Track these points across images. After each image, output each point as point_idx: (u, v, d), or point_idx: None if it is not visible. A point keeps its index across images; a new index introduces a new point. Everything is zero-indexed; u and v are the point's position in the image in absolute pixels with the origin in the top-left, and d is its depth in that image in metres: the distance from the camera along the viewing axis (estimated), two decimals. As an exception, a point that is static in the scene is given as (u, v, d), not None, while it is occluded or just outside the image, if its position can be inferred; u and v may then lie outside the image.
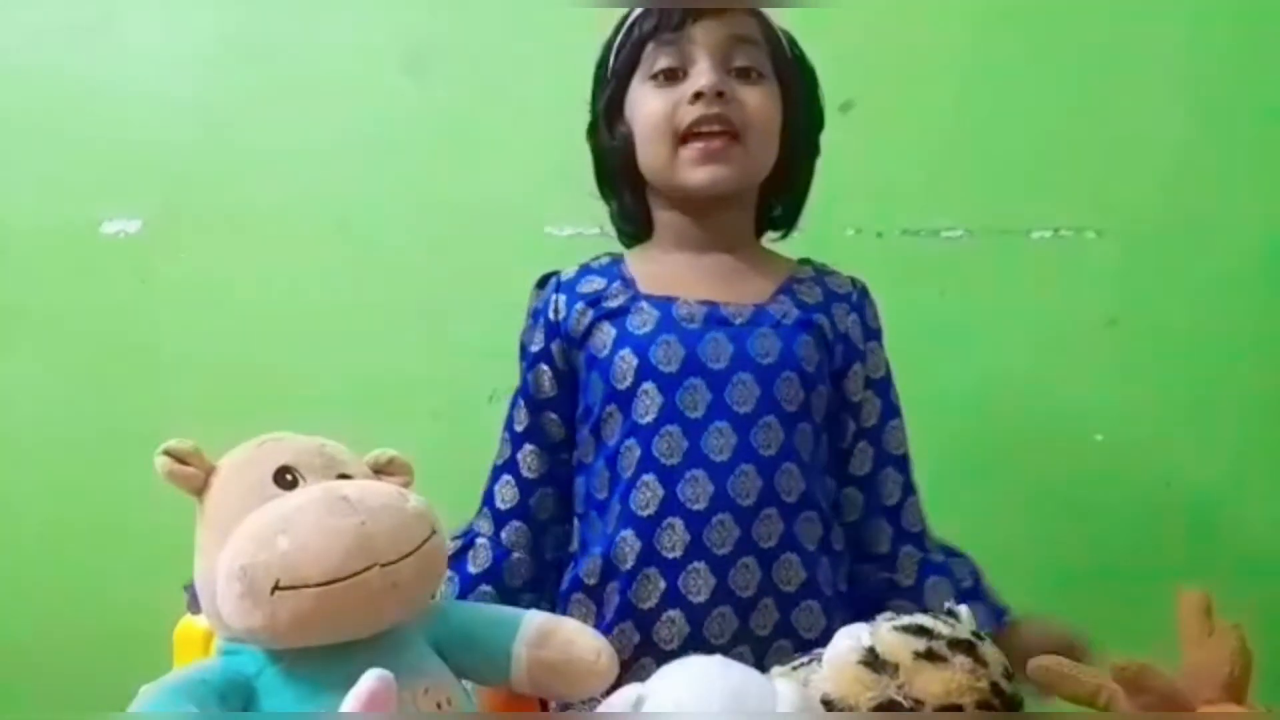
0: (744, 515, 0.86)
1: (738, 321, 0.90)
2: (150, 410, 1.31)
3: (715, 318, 0.89)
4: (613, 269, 0.95)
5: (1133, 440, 1.33)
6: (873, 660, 0.62)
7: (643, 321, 0.89)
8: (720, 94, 0.88)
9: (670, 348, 0.88)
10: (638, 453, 0.87)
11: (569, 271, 0.97)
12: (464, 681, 0.74)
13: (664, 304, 0.90)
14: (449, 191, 1.36)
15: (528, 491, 0.94)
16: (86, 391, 1.38)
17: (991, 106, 1.37)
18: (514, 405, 0.96)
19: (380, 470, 0.76)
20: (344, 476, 0.71)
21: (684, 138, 0.89)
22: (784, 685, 0.62)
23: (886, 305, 0.98)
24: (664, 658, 0.76)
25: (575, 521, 0.95)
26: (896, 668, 0.62)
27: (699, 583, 0.85)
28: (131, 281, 1.39)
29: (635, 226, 0.99)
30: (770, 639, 0.86)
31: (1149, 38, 1.35)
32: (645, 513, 0.86)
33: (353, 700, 0.53)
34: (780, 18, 0.97)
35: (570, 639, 0.75)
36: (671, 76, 0.90)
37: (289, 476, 0.69)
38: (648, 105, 0.91)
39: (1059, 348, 1.34)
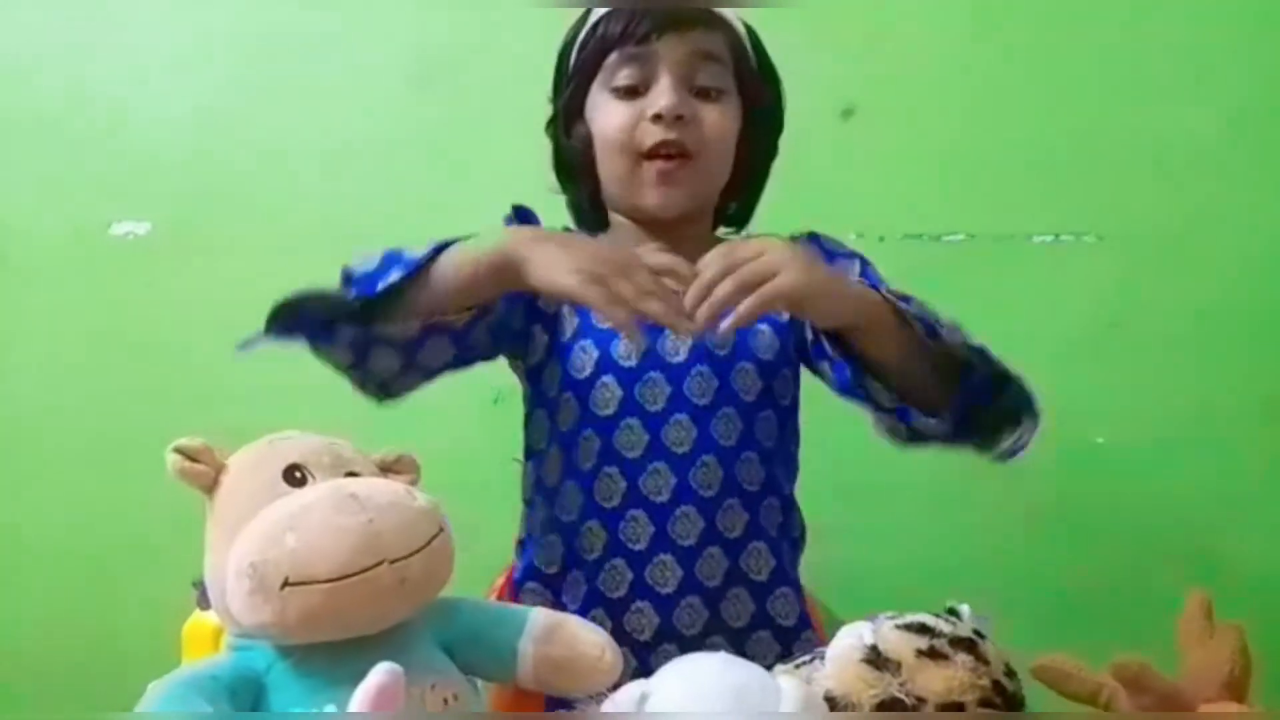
0: (707, 505, 0.88)
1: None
2: (158, 409, 1.32)
3: None
4: None
5: (1134, 444, 1.34)
6: (875, 658, 0.63)
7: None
8: (679, 117, 0.88)
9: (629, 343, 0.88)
10: (597, 444, 0.89)
11: None
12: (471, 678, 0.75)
13: None
14: (452, 199, 1.37)
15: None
16: (94, 390, 1.40)
17: (992, 112, 1.38)
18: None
19: (388, 468, 0.77)
20: (352, 474, 0.71)
21: (644, 156, 0.90)
22: (787, 682, 0.63)
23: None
24: (637, 648, 0.83)
25: (524, 508, 0.96)
26: (899, 665, 0.62)
27: (666, 574, 0.87)
28: (140, 283, 1.41)
29: (592, 219, 0.99)
30: (748, 630, 0.89)
31: (1150, 42, 1.36)
32: (609, 504, 0.88)
33: (361, 694, 0.54)
34: (758, 20, 0.97)
35: (575, 635, 0.75)
36: (632, 92, 0.90)
37: (298, 474, 0.69)
38: (608, 118, 0.91)
39: (1060, 352, 1.35)
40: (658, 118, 0.88)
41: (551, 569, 0.90)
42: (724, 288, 0.74)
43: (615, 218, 0.97)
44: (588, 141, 0.94)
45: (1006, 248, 1.37)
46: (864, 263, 0.94)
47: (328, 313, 0.81)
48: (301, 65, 1.42)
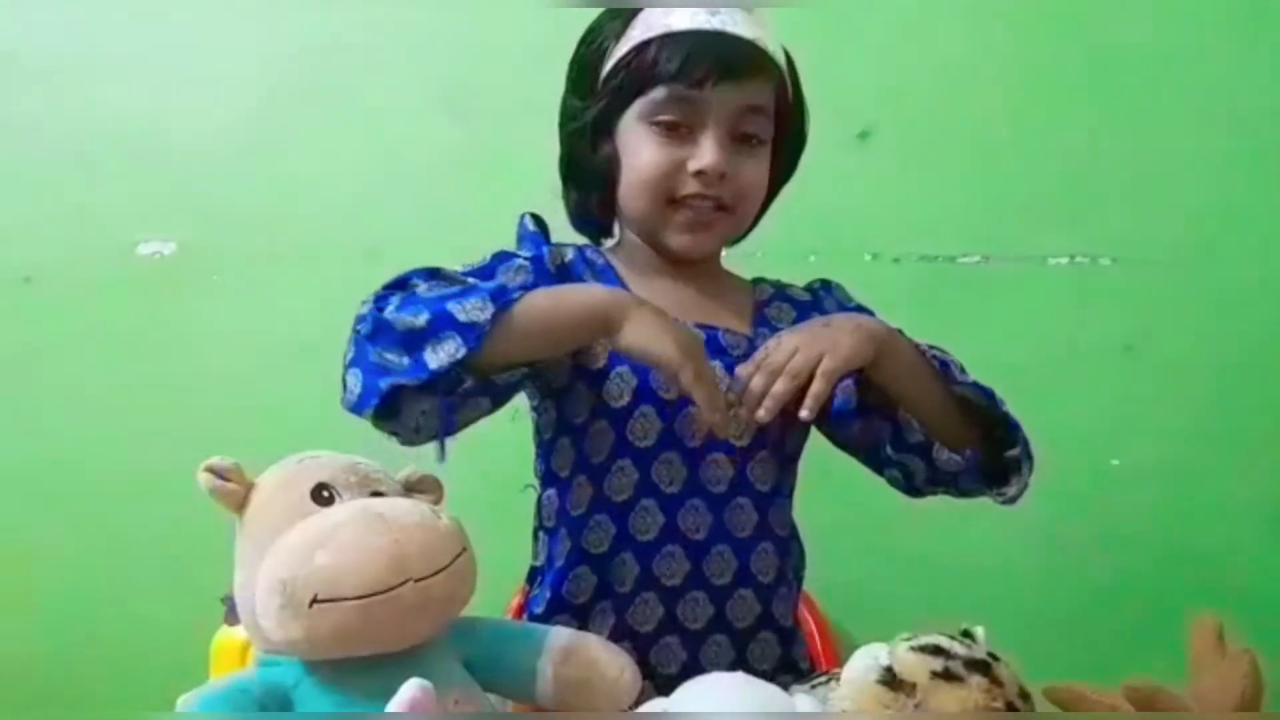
0: (741, 547, 0.88)
1: (735, 353, 0.89)
2: (185, 428, 1.34)
3: (715, 345, 0.89)
4: (608, 272, 0.93)
5: (1149, 466, 1.34)
6: (890, 679, 0.63)
7: None
8: (722, 177, 0.86)
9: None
10: (635, 476, 0.86)
11: (567, 250, 0.93)
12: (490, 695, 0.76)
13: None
14: (479, 224, 1.38)
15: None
16: (120, 408, 1.41)
17: (1009, 134, 1.39)
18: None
19: (412, 488, 0.78)
20: (378, 494, 0.73)
21: (676, 202, 0.88)
22: (804, 702, 0.64)
23: (903, 331, 1.00)
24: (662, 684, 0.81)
25: (541, 535, 0.93)
26: (914, 687, 0.63)
27: (697, 611, 0.87)
28: (166, 301, 1.43)
29: (596, 228, 0.97)
30: (770, 675, 0.87)
31: (1166, 67, 1.37)
32: (644, 538, 0.86)
33: (394, 707, 0.56)
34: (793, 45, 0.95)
35: (594, 656, 0.76)
36: (674, 129, 0.86)
37: (325, 493, 0.71)
38: (644, 155, 0.87)
39: (1075, 373, 1.35)
40: (700, 173, 0.86)
41: (580, 599, 0.87)
42: (780, 386, 0.79)
43: (630, 240, 0.95)
44: (614, 164, 0.90)
45: (1022, 270, 1.37)
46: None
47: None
48: (328, 87, 1.44)
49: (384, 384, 0.73)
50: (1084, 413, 1.35)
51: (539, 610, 0.89)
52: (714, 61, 0.85)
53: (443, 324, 0.73)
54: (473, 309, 0.74)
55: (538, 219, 0.94)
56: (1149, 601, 1.30)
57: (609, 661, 0.77)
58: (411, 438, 0.79)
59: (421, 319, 0.74)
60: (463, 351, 0.72)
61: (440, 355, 0.73)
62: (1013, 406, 1.29)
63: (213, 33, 1.46)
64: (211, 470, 0.71)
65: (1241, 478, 1.33)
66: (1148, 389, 1.35)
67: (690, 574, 0.86)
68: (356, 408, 0.75)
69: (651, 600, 0.86)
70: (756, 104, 0.88)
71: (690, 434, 0.86)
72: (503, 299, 0.75)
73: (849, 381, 0.89)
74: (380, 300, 0.78)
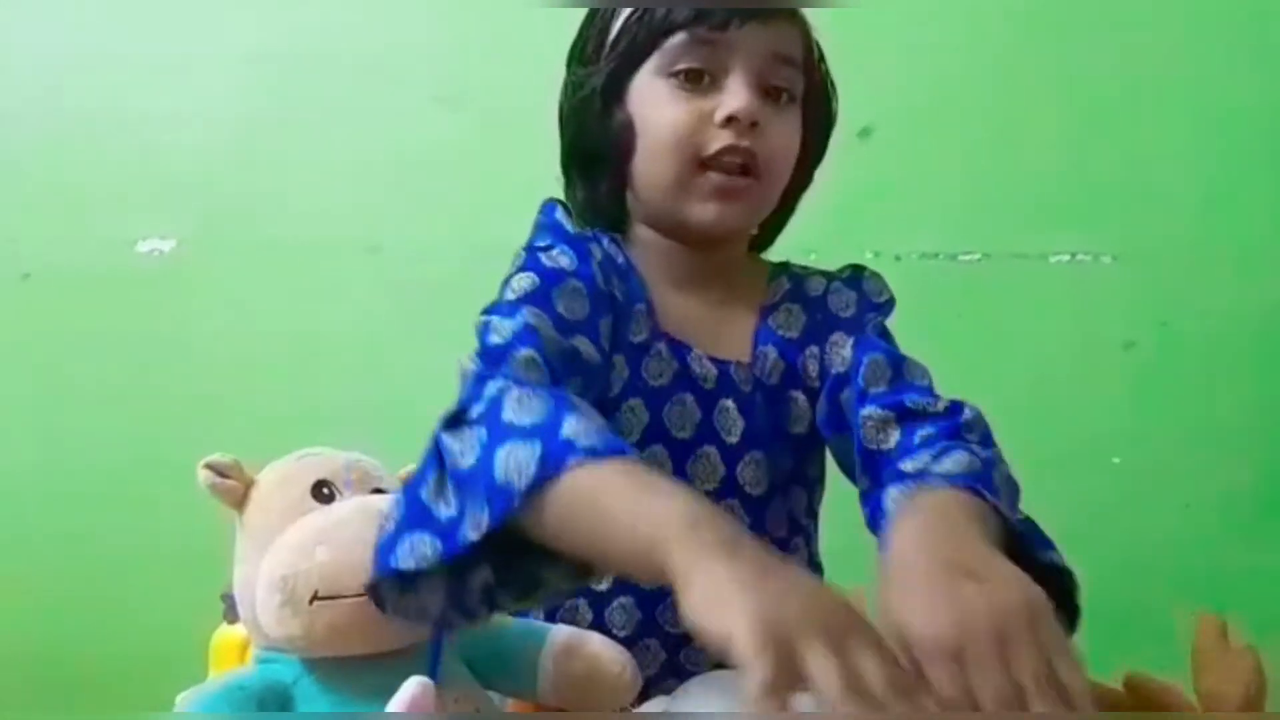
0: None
1: (746, 390, 0.83)
2: (184, 425, 1.34)
3: (726, 381, 0.82)
4: (630, 275, 0.84)
5: (1150, 463, 1.34)
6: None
7: (660, 371, 0.81)
8: (754, 124, 0.77)
9: (685, 410, 0.81)
10: None
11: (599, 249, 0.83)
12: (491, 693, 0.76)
13: (681, 350, 0.82)
14: (478, 217, 1.39)
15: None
16: (119, 406, 1.41)
17: (1009, 131, 1.39)
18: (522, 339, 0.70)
19: (412, 485, 0.78)
20: (378, 490, 0.73)
21: (703, 164, 0.78)
22: (803, 702, 0.63)
23: (904, 329, 0.98)
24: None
25: None
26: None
27: (675, 615, 0.83)
28: (165, 299, 1.43)
29: (605, 220, 0.85)
30: None
31: (1167, 64, 1.37)
32: None
33: (395, 706, 0.55)
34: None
35: (595, 653, 0.76)
36: (696, 79, 0.78)
37: (326, 490, 0.71)
38: (666, 112, 0.78)
39: (1076, 371, 1.35)
40: (730, 120, 0.77)
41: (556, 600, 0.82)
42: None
43: (639, 231, 0.85)
44: (628, 132, 0.80)
45: (1023, 267, 1.37)
46: (877, 308, 0.87)
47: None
48: (330, 83, 1.44)
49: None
50: (1085, 410, 1.35)
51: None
52: (736, 8, 0.76)
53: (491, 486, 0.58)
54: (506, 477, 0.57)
55: (566, 207, 0.85)
56: (1151, 599, 1.29)
57: (610, 658, 0.76)
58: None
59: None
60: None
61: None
62: (1014, 405, 1.29)
63: (212, 29, 1.46)
64: (211, 467, 0.71)
65: (1244, 474, 1.33)
66: (1149, 386, 1.35)
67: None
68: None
69: (629, 604, 0.82)
70: (786, 53, 0.80)
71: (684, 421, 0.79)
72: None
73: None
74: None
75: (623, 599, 0.82)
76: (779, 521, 0.85)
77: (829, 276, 0.89)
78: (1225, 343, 1.34)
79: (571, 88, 0.84)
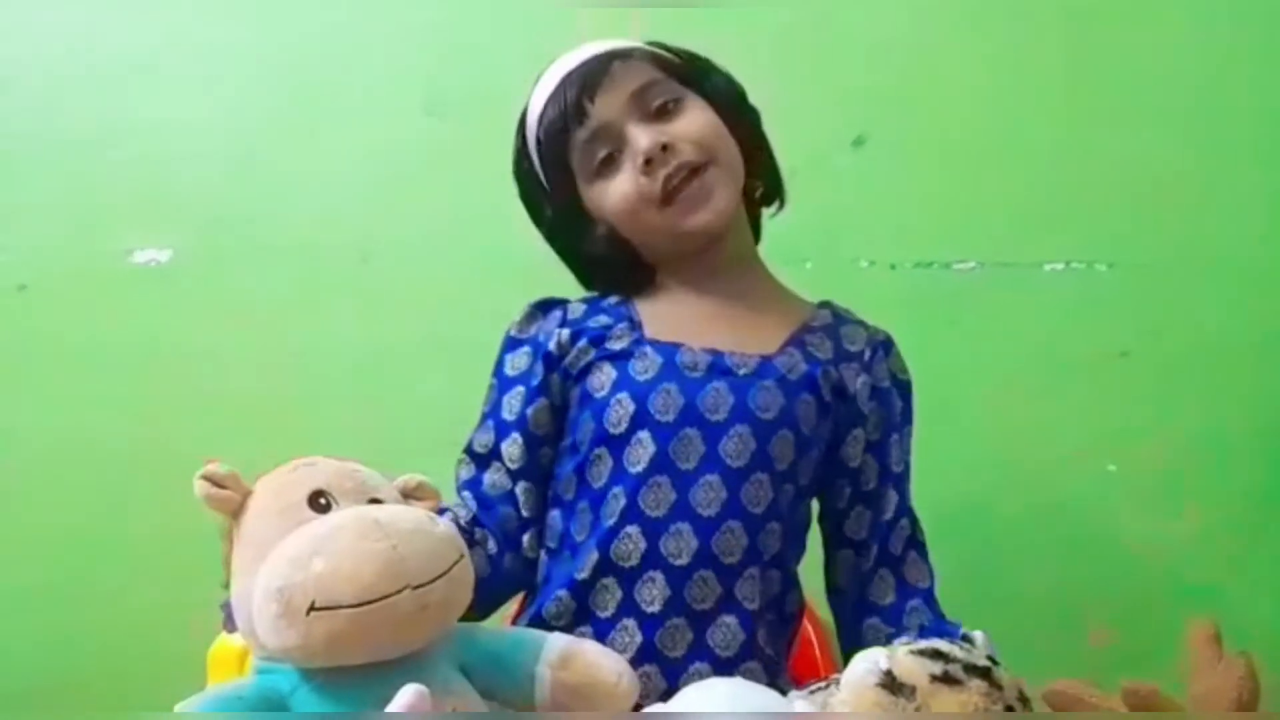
0: (726, 572, 0.85)
1: (741, 372, 0.89)
2: (179, 436, 1.34)
3: (719, 367, 0.89)
4: (621, 309, 0.95)
5: (1145, 471, 1.34)
6: (890, 683, 0.63)
7: (645, 367, 0.89)
8: (664, 147, 0.88)
9: (669, 396, 0.87)
10: (623, 502, 0.86)
11: (576, 307, 0.96)
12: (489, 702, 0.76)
13: (668, 349, 0.90)
14: (469, 226, 1.39)
15: (524, 528, 0.92)
16: (115, 417, 1.41)
17: (1003, 140, 1.39)
18: (500, 434, 0.93)
19: (409, 495, 0.78)
20: (375, 500, 0.73)
21: (664, 200, 0.89)
22: (803, 706, 0.64)
23: (898, 337, 0.99)
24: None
25: (543, 555, 0.92)
26: (914, 690, 0.63)
27: (676, 638, 0.85)
28: (161, 310, 1.42)
29: (632, 292, 0.97)
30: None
31: (1162, 73, 1.38)
32: (627, 564, 0.85)
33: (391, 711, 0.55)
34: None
35: (592, 662, 0.76)
36: (611, 162, 0.90)
37: (322, 500, 0.71)
38: (612, 197, 0.91)
39: (1071, 379, 1.35)
40: (648, 162, 0.88)
41: (560, 622, 0.86)
42: None
43: (665, 269, 0.96)
44: (612, 233, 0.93)
45: (1017, 275, 1.37)
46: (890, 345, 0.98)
47: None
48: (321, 93, 1.44)
49: None
50: (1080, 418, 1.35)
51: (523, 624, 0.89)
52: (575, 83, 0.90)
53: None
54: None
55: (540, 306, 0.97)
56: (1146, 606, 1.30)
57: (608, 667, 0.77)
58: None
59: None
60: None
61: None
62: (1010, 413, 1.30)
63: (204, 38, 1.46)
64: (208, 478, 0.71)
65: (1239, 481, 1.33)
66: (1144, 394, 1.35)
67: (670, 600, 0.84)
68: None
69: (630, 626, 0.85)
70: (644, 81, 0.90)
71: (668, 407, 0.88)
72: None
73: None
74: None
75: (676, 620, 0.85)
76: (757, 497, 0.87)
77: (868, 331, 0.97)
78: (1220, 351, 1.34)
79: (551, 230, 0.98)
